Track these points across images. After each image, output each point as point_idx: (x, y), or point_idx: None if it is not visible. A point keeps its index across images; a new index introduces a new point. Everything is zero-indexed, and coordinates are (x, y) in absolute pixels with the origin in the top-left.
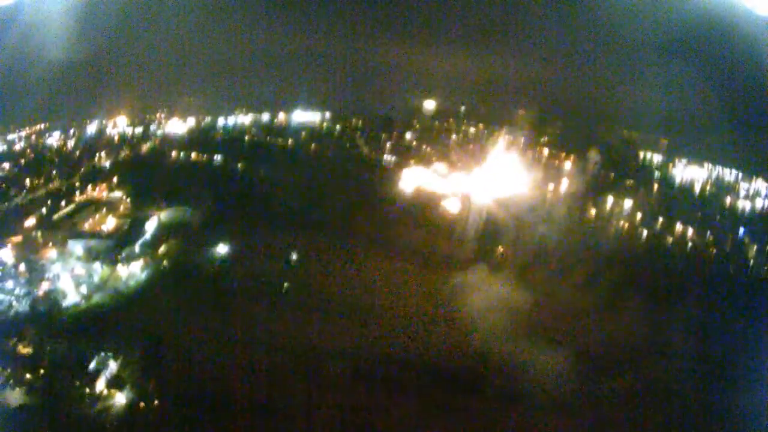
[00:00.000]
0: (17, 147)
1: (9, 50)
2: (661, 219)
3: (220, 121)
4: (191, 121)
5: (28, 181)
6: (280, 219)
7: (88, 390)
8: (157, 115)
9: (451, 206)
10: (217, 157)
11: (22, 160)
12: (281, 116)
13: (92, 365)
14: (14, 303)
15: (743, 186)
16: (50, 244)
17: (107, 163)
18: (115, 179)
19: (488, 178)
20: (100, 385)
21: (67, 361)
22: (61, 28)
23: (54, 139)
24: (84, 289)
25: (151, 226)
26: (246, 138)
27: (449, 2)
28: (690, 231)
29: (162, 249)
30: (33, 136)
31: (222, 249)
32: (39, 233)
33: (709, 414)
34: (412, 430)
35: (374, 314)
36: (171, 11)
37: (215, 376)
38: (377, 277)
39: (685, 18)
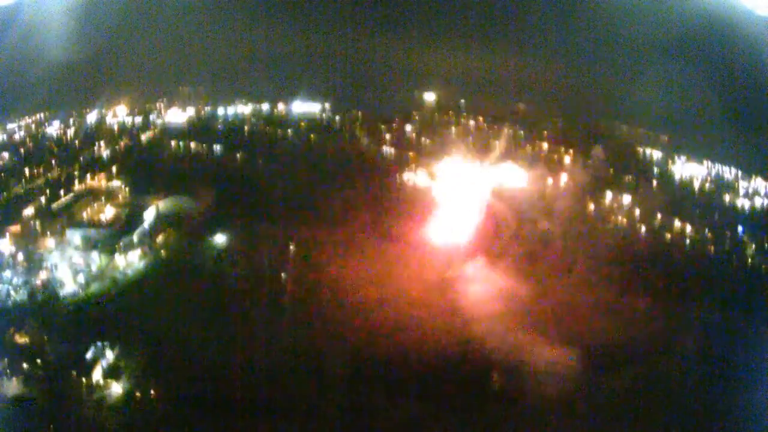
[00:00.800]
0: (16, 136)
1: (9, 50)
2: (659, 216)
3: (220, 111)
4: (191, 112)
5: (27, 171)
6: (278, 209)
7: (85, 380)
8: (158, 104)
9: (451, 199)
10: (217, 147)
11: (22, 150)
12: (281, 107)
13: (90, 355)
14: (12, 292)
15: (742, 184)
16: (49, 233)
17: (106, 153)
18: (114, 169)
19: (487, 172)
20: (98, 375)
21: (64, 350)
22: (61, 28)
23: (53, 129)
24: (82, 279)
25: (149, 216)
26: (245, 128)
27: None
28: (689, 228)
29: (160, 239)
30: (33, 126)
31: (220, 239)
32: (38, 222)
33: (710, 413)
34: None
35: (374, 307)
36: (171, 11)
37: (213, 366)
38: (376, 268)
39: (685, 18)
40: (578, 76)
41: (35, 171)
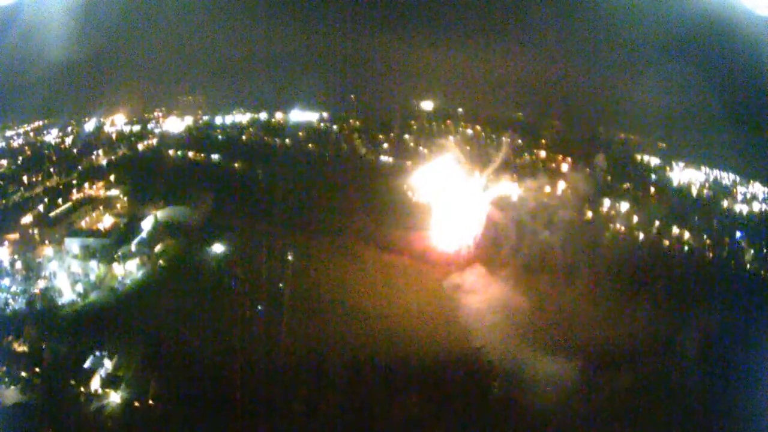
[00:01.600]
0: (15, 144)
1: (9, 50)
2: (657, 222)
3: (218, 120)
4: (189, 120)
5: (25, 179)
6: (276, 218)
7: (84, 388)
8: (155, 113)
9: (448, 208)
10: (215, 156)
11: (20, 157)
12: (279, 116)
13: (88, 363)
14: (11, 300)
15: (740, 189)
16: (47, 241)
17: (105, 161)
18: (112, 177)
19: (484, 180)
20: (96, 384)
21: (63, 359)
22: (61, 28)
23: (52, 137)
24: (80, 287)
25: (147, 225)
26: (244, 137)
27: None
28: (687, 234)
29: (159, 248)
30: (31, 134)
31: (218, 248)
32: (36, 230)
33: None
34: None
35: (371, 314)
36: (171, 10)
37: (212, 374)
38: (373, 276)
39: (685, 18)
40: (576, 77)
41: (34, 179)
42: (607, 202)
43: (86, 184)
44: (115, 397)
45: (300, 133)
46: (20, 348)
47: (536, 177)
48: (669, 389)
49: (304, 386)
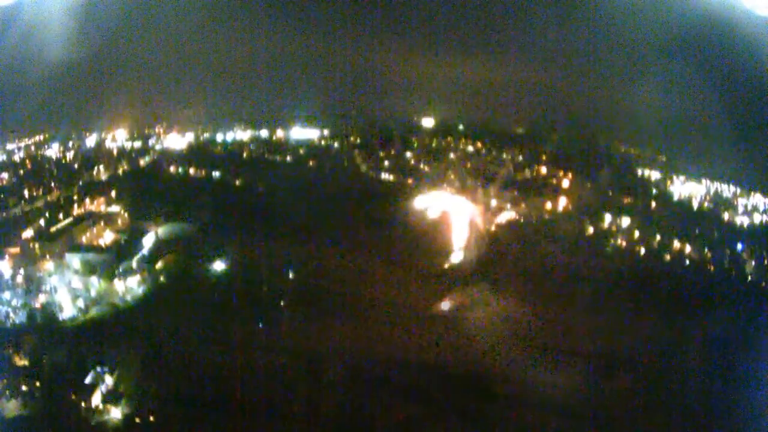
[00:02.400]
0: (16, 157)
1: (9, 50)
2: (659, 236)
3: (219, 137)
4: (190, 136)
5: (26, 193)
6: (277, 235)
7: (84, 405)
8: (156, 129)
9: (448, 224)
10: (216, 173)
11: (21, 171)
12: (280, 133)
13: (89, 380)
14: (11, 315)
15: (741, 201)
16: (48, 256)
17: (105, 177)
18: (113, 193)
19: (486, 197)
20: (97, 400)
21: (64, 375)
22: (61, 28)
23: (53, 151)
24: (81, 303)
25: (149, 241)
26: (244, 154)
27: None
28: (688, 248)
29: (160, 264)
30: (32, 147)
31: (220, 265)
32: (36, 245)
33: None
34: None
35: (373, 332)
36: (171, 10)
37: (214, 392)
38: (375, 293)
39: (684, 18)
40: (576, 88)
41: (34, 193)
42: (608, 217)
43: (87, 200)
44: (116, 414)
45: (300, 150)
46: (21, 363)
47: (538, 193)
48: (671, 400)
49: (307, 405)
